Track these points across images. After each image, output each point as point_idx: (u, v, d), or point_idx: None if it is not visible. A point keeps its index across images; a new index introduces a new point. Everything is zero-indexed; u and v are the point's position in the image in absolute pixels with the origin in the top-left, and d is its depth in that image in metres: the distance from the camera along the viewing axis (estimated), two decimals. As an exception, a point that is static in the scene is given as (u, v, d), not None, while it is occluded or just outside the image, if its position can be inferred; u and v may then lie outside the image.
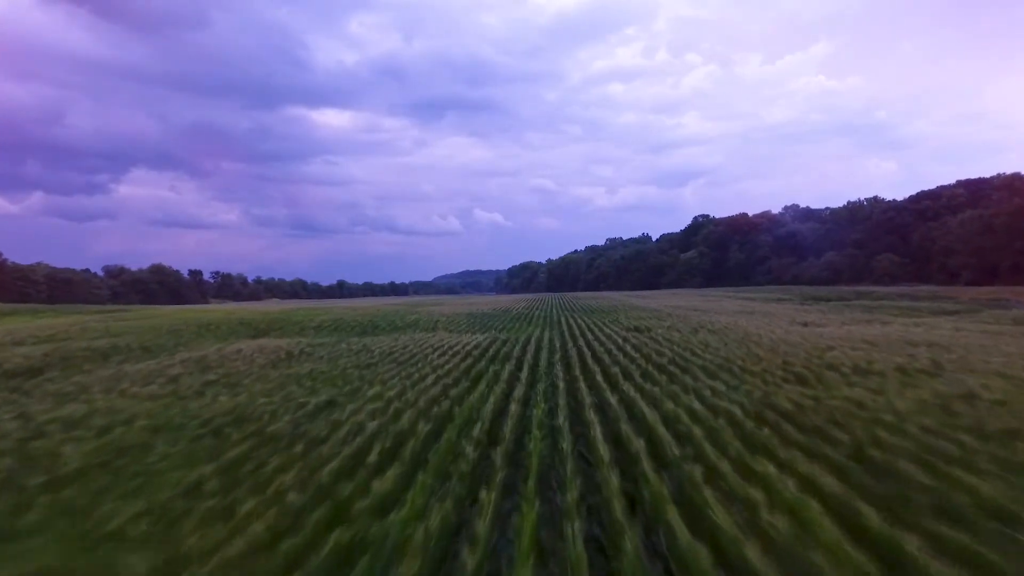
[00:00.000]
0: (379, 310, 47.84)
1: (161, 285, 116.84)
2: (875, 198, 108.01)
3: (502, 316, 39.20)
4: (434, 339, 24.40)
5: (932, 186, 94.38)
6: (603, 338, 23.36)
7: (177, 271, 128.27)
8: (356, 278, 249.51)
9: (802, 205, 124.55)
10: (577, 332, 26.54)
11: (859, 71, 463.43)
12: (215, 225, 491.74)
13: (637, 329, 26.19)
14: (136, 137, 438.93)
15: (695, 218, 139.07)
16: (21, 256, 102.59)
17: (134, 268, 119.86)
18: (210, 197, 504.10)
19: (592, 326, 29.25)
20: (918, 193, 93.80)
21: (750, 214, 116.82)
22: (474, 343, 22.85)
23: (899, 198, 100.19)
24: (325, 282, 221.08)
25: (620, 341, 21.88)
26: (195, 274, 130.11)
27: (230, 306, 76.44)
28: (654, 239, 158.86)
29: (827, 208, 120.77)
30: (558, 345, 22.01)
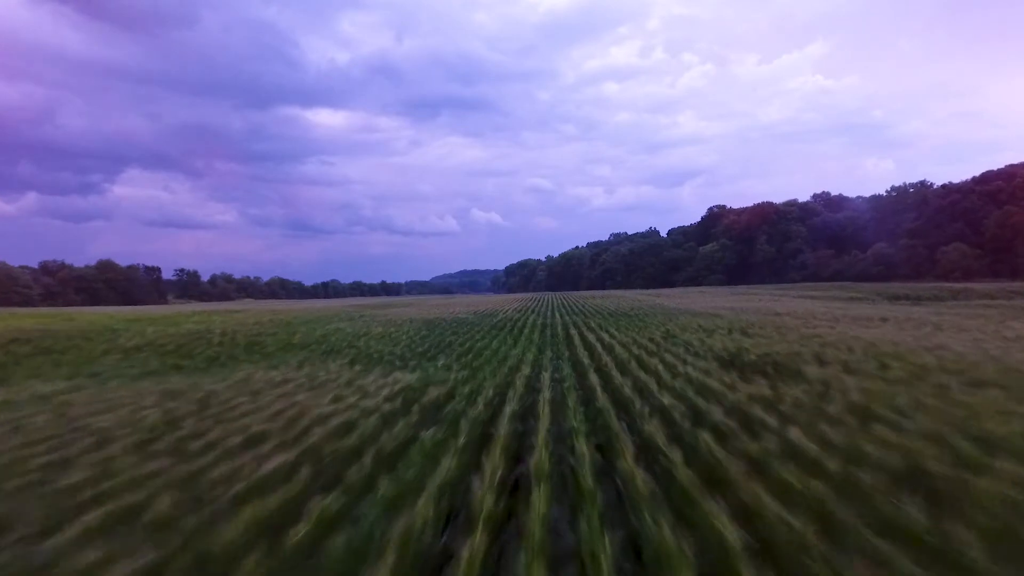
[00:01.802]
0: (291, 315, 33.66)
1: (108, 284, 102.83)
2: (923, 182, 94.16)
3: (478, 325, 25.36)
4: (289, 388, 10.54)
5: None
6: (687, 388, 9.42)
7: (134, 267, 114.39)
8: (354, 278, 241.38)
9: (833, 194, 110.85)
10: (610, 364, 12.33)
11: (855, 70, 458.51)
12: (212, 225, 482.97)
13: (762, 371, 12.18)
14: (129, 137, 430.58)
15: (710, 208, 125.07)
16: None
17: (80, 264, 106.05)
18: (205, 197, 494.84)
19: (633, 348, 15.28)
20: (984, 174, 79.74)
21: (776, 202, 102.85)
22: (365, 407, 8.78)
23: (954, 180, 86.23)
24: (320, 283, 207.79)
25: (731, 398, 7.90)
26: (152, 271, 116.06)
27: (129, 311, 62.19)
28: (662, 234, 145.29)
29: (858, 196, 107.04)
30: (579, 412, 7.97)
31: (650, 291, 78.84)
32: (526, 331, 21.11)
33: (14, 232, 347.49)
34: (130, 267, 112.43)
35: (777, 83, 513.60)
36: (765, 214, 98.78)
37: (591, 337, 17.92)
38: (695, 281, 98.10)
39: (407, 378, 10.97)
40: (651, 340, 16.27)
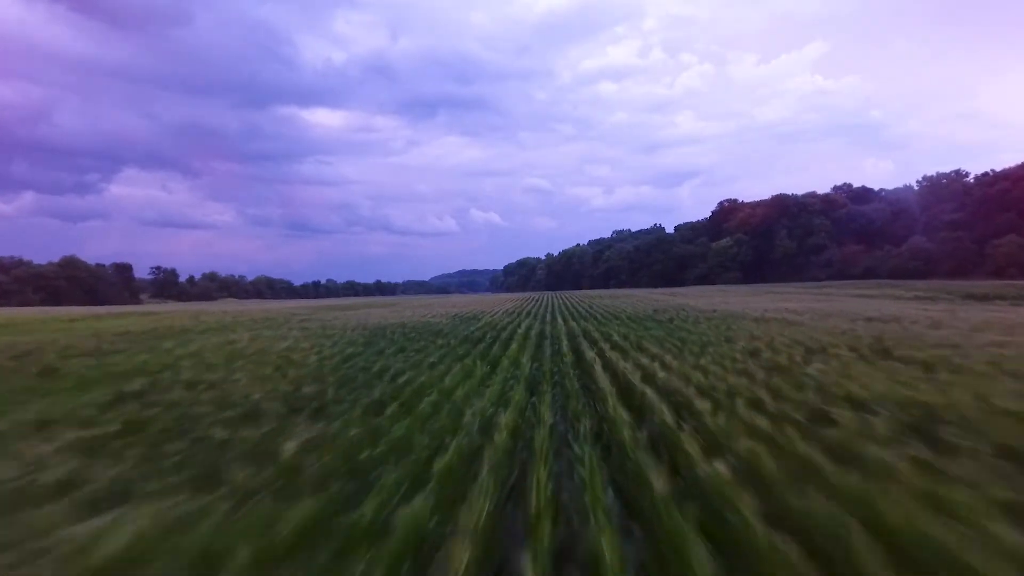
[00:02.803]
0: (198, 322, 25.66)
1: (71, 281, 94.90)
2: (958, 171, 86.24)
3: (447, 336, 17.32)
4: None
5: None
6: None
7: (101, 265, 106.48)
8: (353, 278, 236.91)
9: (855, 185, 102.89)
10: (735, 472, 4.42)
11: (854, 70, 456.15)
12: (210, 225, 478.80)
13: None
14: (125, 136, 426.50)
15: (720, 203, 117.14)
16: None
17: (42, 262, 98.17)
18: (203, 197, 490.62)
19: (738, 403, 7.34)
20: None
21: (797, 194, 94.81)
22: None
23: (996, 168, 78.25)
24: (311, 282, 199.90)
25: None
26: (122, 269, 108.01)
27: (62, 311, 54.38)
28: (668, 230, 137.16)
29: (881, 189, 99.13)
30: None
31: (661, 290, 70.91)
32: (512, 348, 13.19)
33: (13, 232, 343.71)
34: (97, 265, 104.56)
35: (776, 83, 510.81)
36: (784, 206, 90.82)
37: (623, 364, 9.99)
38: (707, 279, 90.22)
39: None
40: (746, 374, 8.27)
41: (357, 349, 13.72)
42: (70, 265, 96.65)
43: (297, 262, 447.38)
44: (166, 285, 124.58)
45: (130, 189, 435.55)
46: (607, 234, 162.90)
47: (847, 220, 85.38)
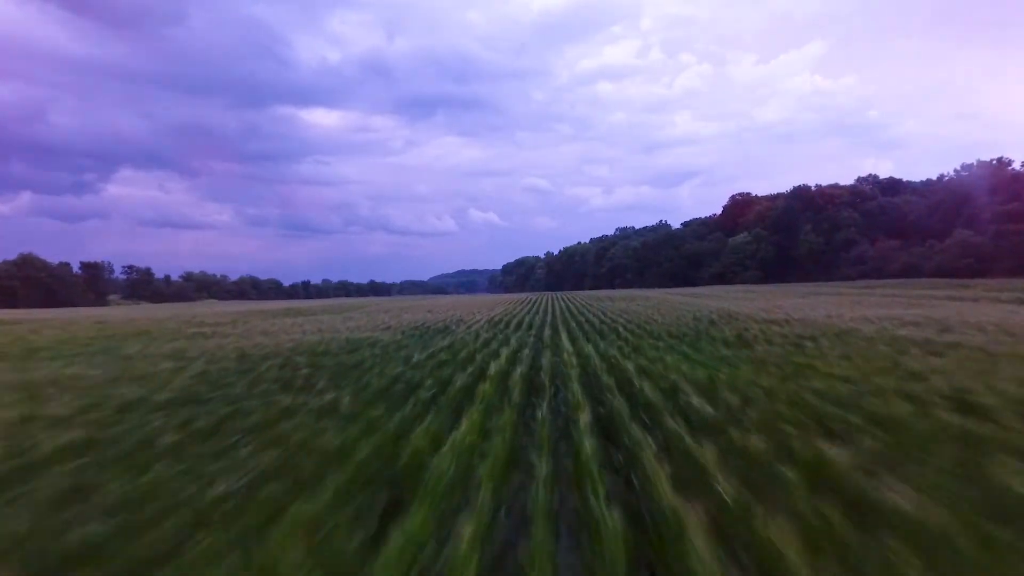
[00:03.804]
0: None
1: (27, 282, 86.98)
2: (1001, 159, 78.14)
3: (369, 373, 9.55)
4: None
5: None
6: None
7: (64, 264, 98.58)
8: (352, 278, 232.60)
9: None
10: None
11: (853, 70, 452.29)
12: (209, 225, 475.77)
13: None
14: (121, 136, 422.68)
15: (733, 196, 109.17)
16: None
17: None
18: (201, 197, 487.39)
19: None
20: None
21: (822, 184, 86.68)
22: None
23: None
24: (300, 283, 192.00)
25: None
26: (90, 267, 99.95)
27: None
28: (674, 227, 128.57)
29: (905, 180, 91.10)
30: None
31: (678, 291, 62.87)
32: (471, 417, 5.30)
33: (11, 232, 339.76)
34: (61, 264, 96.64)
35: (775, 83, 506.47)
36: (808, 198, 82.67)
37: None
38: (723, 278, 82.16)
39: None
40: None
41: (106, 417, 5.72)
42: (27, 264, 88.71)
43: (297, 262, 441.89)
44: (139, 285, 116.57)
45: (128, 189, 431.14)
46: (608, 233, 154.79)
47: (878, 213, 77.16)
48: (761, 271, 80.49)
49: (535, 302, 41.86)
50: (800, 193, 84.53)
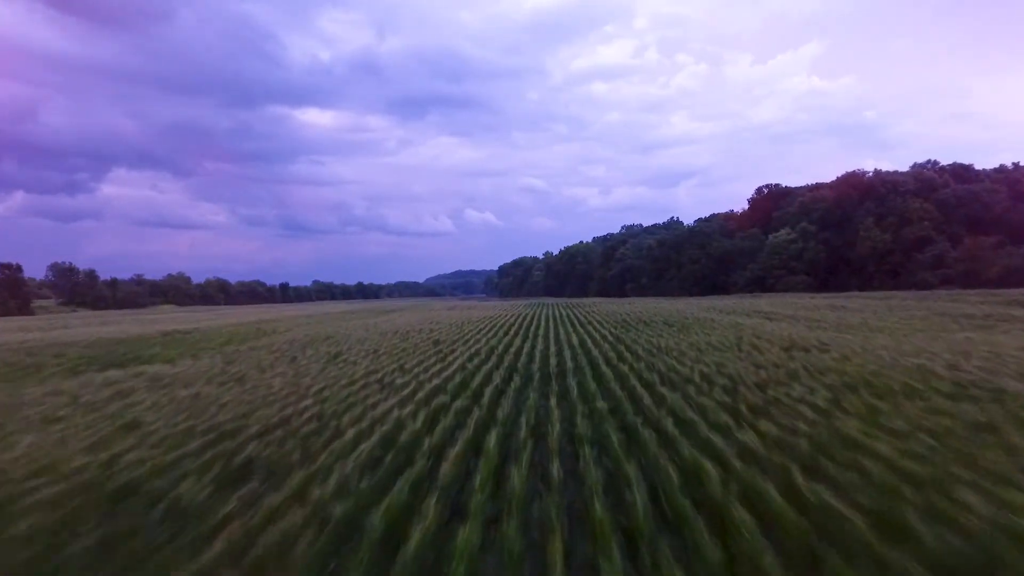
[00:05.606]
0: None
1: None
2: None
3: None
4: None
5: None
6: None
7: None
8: (349, 279, 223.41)
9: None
10: None
11: (850, 71, 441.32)
12: (204, 226, 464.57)
13: None
14: (114, 135, 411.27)
15: (759, 189, 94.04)
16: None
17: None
18: (195, 197, 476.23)
19: None
20: None
21: (882, 169, 71.86)
22: None
23: None
24: (278, 285, 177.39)
25: None
26: (8, 269, 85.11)
27: None
28: (686, 224, 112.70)
29: (975, 167, 76.12)
30: None
31: (714, 301, 48.02)
32: None
33: (6, 233, 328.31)
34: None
35: (771, 83, 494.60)
36: (868, 187, 67.81)
37: None
38: (763, 284, 67.33)
39: None
40: None
41: None
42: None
43: (294, 262, 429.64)
44: (81, 289, 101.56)
45: (121, 189, 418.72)
46: (609, 233, 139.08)
47: (955, 204, 62.45)
48: (809, 275, 65.67)
49: (531, 318, 26.78)
50: (852, 181, 69.70)
